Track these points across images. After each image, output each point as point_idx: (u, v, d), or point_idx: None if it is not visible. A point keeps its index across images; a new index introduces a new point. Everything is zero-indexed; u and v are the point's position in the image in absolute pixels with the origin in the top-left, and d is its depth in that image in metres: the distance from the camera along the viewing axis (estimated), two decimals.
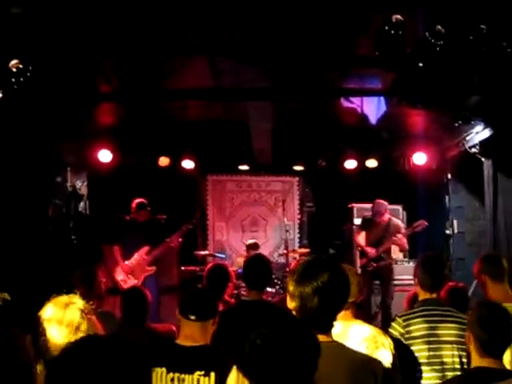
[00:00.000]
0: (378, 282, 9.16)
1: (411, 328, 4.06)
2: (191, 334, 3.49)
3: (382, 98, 8.42)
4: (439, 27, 5.00)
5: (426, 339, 4.01)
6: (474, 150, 8.37)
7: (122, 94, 7.88)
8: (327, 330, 2.72)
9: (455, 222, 9.74)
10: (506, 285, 4.38)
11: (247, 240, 10.35)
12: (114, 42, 6.01)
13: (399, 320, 4.14)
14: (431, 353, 3.98)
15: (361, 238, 9.24)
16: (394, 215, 9.76)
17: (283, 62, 6.90)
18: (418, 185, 9.83)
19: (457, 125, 8.07)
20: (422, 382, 3.96)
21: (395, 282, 9.22)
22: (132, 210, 8.40)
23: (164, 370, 3.38)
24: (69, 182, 9.43)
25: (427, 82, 6.20)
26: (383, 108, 8.56)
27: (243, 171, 10.82)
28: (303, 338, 2.08)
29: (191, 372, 3.35)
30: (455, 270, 9.49)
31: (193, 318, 3.48)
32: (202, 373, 3.34)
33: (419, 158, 10.02)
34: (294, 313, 2.67)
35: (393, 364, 3.34)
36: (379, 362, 2.84)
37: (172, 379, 3.36)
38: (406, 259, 10.02)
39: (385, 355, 3.34)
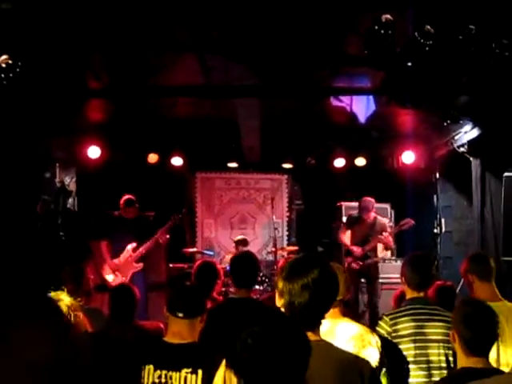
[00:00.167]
0: (364, 281, 9.15)
1: (398, 327, 4.07)
2: (179, 331, 3.49)
3: (371, 97, 8.44)
4: (428, 27, 5.02)
5: (413, 338, 4.02)
6: (462, 149, 8.40)
7: (112, 90, 7.83)
8: (315, 327, 2.72)
9: (443, 220, 9.77)
10: (493, 284, 4.38)
11: (236, 237, 10.31)
12: (104, 38, 5.98)
13: (386, 319, 4.14)
14: (418, 351, 3.99)
15: (346, 237, 9.20)
16: (382, 214, 9.80)
17: (273, 59, 6.90)
18: (406, 184, 9.85)
19: (445, 124, 8.11)
20: (409, 380, 3.98)
21: (382, 281, 9.25)
22: (120, 206, 8.34)
23: (151, 367, 3.37)
24: (57, 177, 9.40)
25: (416, 81, 6.24)
26: (372, 107, 8.58)
27: (232, 169, 10.82)
28: (294, 336, 2.07)
29: (179, 369, 3.35)
30: (442, 269, 9.53)
31: (181, 315, 3.48)
32: (190, 370, 3.34)
33: (408, 157, 10.06)
34: (282, 310, 2.67)
35: (380, 362, 3.36)
36: (367, 362, 2.84)
37: (159, 376, 3.35)
38: (394, 258, 10.06)
39: (372, 353, 3.35)
